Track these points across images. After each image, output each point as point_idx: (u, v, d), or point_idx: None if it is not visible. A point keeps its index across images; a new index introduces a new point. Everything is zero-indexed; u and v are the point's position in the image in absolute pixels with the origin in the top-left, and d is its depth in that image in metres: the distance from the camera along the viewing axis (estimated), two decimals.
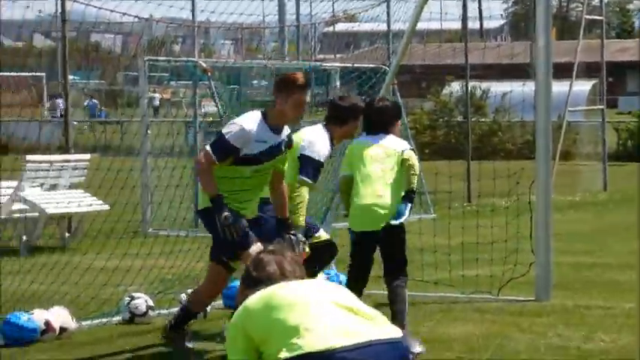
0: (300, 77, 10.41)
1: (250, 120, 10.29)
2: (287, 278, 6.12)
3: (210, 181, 10.10)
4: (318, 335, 5.74)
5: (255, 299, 6.01)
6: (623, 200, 28.26)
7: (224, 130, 10.28)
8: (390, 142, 11.54)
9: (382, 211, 11.29)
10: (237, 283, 13.32)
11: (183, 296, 12.71)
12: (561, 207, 22.77)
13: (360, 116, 11.62)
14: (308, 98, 10.51)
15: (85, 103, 54.54)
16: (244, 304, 6.05)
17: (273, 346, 5.79)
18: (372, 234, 11.35)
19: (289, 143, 10.57)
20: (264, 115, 10.34)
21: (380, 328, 5.85)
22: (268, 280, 6.08)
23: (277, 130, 10.35)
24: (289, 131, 10.63)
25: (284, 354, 5.73)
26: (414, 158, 11.43)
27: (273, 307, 5.91)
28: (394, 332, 5.88)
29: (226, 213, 10.02)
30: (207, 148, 10.19)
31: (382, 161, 11.45)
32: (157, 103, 48.03)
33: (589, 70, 35.91)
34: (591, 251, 18.46)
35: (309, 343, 5.73)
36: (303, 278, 6.18)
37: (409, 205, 11.37)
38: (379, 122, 11.63)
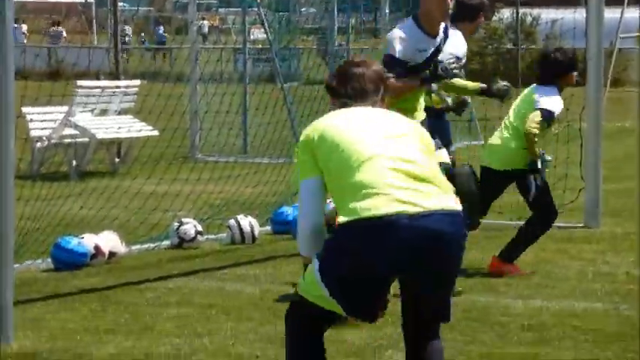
0: None
1: (403, 28, 10.12)
2: (366, 95, 6.21)
3: (399, 85, 9.76)
4: (378, 201, 5.76)
5: (324, 129, 6.05)
6: None
7: (389, 47, 10.01)
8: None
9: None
10: (285, 208, 13.36)
11: (232, 222, 12.75)
12: (611, 134, 22.59)
13: (484, 11, 11.72)
14: None
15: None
16: (314, 127, 6.13)
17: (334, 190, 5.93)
18: None
19: (447, 34, 10.33)
20: (416, 21, 10.12)
21: (440, 196, 5.83)
22: (347, 98, 6.22)
23: (435, 34, 10.16)
24: (446, 26, 10.32)
25: (342, 218, 5.81)
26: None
27: (337, 147, 5.95)
28: (453, 203, 5.88)
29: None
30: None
31: None
32: (205, 30, 47.99)
33: None
34: None
35: (369, 206, 5.76)
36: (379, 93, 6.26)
37: None
38: (547, 74, 11.52)
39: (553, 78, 11.37)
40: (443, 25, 10.23)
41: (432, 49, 10.10)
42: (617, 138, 23.78)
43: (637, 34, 38.42)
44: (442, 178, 5.94)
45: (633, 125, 28.09)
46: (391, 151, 5.89)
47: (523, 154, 11.18)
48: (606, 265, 11.53)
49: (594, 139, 13.91)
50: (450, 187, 5.93)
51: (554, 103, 11.30)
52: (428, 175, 5.87)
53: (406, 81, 9.91)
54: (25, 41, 46.93)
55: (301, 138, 6.17)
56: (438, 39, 10.18)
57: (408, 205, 5.73)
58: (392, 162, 5.84)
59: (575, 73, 11.55)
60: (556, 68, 11.39)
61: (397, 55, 9.92)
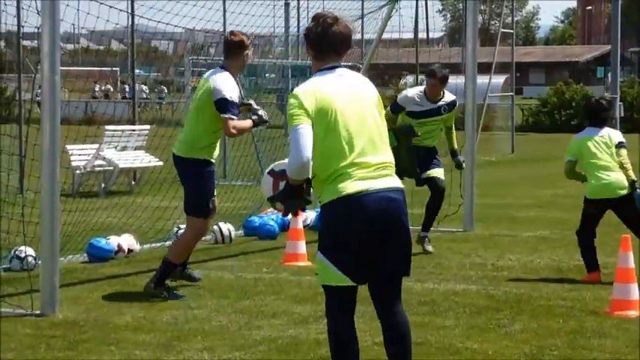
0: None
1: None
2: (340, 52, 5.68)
3: (244, 125, 9.46)
4: (350, 181, 5.48)
5: (315, 93, 5.54)
6: (525, 160, 28.30)
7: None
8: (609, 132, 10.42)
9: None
10: (254, 217, 13.33)
11: (215, 227, 12.69)
12: (482, 164, 22.73)
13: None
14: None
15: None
16: (306, 89, 5.57)
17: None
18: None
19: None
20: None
21: (389, 178, 5.58)
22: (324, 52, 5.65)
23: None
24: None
25: (324, 197, 5.51)
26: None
27: (327, 114, 5.51)
28: (397, 182, 5.65)
29: (259, 114, 9.86)
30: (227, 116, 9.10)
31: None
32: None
33: (503, 68, 35.80)
34: (502, 195, 18.45)
35: (343, 187, 5.47)
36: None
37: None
38: (597, 117, 10.35)
39: (603, 120, 10.35)
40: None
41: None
42: (485, 168, 23.92)
43: (500, 94, 38.65)
44: (389, 158, 5.63)
45: (498, 159, 28.25)
46: (363, 146, 5.54)
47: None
48: (478, 257, 11.56)
49: (470, 168, 13.98)
50: (390, 167, 5.63)
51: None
52: (389, 164, 5.62)
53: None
54: (67, 97, 46.77)
55: (299, 96, 5.54)
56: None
57: (370, 183, 5.50)
58: (362, 156, 5.53)
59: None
60: (603, 112, 10.35)
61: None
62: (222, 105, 9.04)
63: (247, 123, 9.45)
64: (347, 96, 5.63)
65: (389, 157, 5.68)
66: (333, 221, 5.55)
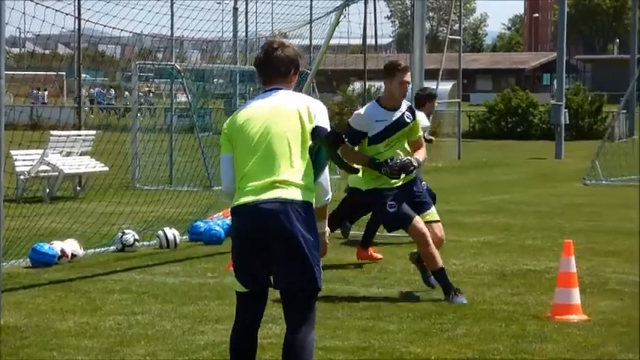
0: (402, 62, 9.67)
1: (367, 108, 9.52)
2: (277, 75, 5.83)
3: (356, 155, 9.22)
4: (240, 195, 5.66)
5: (240, 112, 5.83)
6: (472, 166, 28.47)
7: (350, 119, 9.54)
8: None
9: None
10: (199, 223, 13.31)
11: (160, 232, 12.67)
12: (429, 171, 22.83)
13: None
14: (408, 78, 9.51)
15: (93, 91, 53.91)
16: (232, 116, 5.87)
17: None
18: None
19: (414, 115, 9.55)
20: (378, 101, 9.55)
21: (280, 190, 5.62)
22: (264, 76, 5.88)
23: (394, 108, 9.45)
24: (409, 105, 9.69)
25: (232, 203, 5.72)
26: None
27: (240, 137, 5.74)
28: (282, 194, 5.62)
29: (387, 161, 9.18)
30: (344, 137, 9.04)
31: None
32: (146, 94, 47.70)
33: (450, 75, 36.04)
34: (448, 201, 18.55)
35: (240, 199, 5.65)
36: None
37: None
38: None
39: None
40: (408, 104, 9.67)
41: (393, 119, 9.41)
42: (432, 174, 24.04)
43: (448, 100, 38.92)
44: (287, 174, 5.64)
45: (444, 165, 28.41)
46: (264, 165, 5.66)
47: None
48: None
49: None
50: (287, 182, 5.64)
51: None
52: (280, 178, 5.63)
53: (360, 153, 9.34)
54: (12, 101, 46.33)
55: (226, 123, 5.90)
56: (398, 112, 9.46)
57: (255, 196, 5.61)
58: (258, 168, 5.65)
59: None
60: None
61: (354, 126, 9.39)
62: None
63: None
64: (263, 112, 5.78)
65: (289, 173, 5.67)
66: (231, 231, 5.86)
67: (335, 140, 5.80)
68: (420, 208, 9.56)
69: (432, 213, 9.70)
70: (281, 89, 5.86)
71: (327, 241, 5.99)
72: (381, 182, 9.40)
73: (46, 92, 53.61)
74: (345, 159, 6.42)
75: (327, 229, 6.00)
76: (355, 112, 9.73)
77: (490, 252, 12.38)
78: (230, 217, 5.86)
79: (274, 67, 5.84)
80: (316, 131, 5.78)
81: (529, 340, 7.83)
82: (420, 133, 9.74)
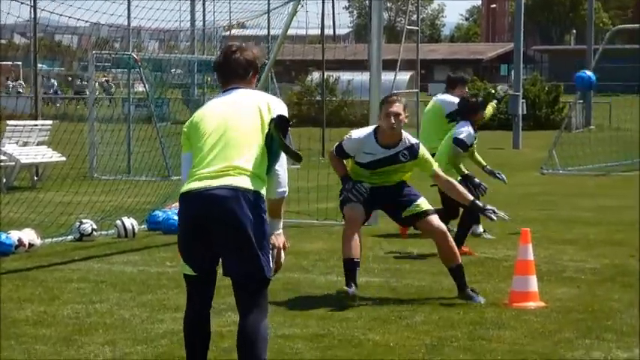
0: (393, 96, 9.37)
1: (361, 133, 9.03)
2: (236, 77, 5.90)
3: (337, 166, 9.10)
4: (189, 182, 5.70)
5: (199, 111, 5.90)
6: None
7: (346, 136, 9.09)
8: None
9: None
10: (157, 212, 13.27)
11: (118, 222, 12.62)
12: None
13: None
14: (396, 109, 8.85)
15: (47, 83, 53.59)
16: (195, 114, 5.90)
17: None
18: None
19: (413, 155, 8.96)
20: (375, 133, 8.96)
21: (229, 178, 5.63)
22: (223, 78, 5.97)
23: (387, 146, 8.91)
24: (411, 144, 8.99)
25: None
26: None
27: (197, 132, 5.78)
28: (237, 182, 5.63)
29: (349, 182, 8.97)
30: (336, 145, 9.09)
31: None
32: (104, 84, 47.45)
33: (408, 65, 36.13)
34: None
35: (189, 185, 5.69)
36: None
37: None
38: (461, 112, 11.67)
39: None
40: (412, 142, 9.01)
41: (383, 156, 8.92)
42: None
43: (406, 90, 39.01)
44: (240, 162, 5.66)
45: None
46: (217, 154, 5.69)
47: None
48: (382, 250, 11.67)
49: None
50: (239, 170, 5.65)
51: None
52: (232, 165, 5.65)
53: (340, 165, 9.13)
54: None
55: (187, 122, 5.94)
56: (393, 150, 8.94)
57: (202, 183, 5.65)
58: (211, 156, 5.69)
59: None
60: None
61: (344, 146, 9.05)
62: None
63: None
64: (221, 108, 5.85)
65: (241, 162, 5.68)
66: (178, 216, 5.87)
67: (280, 123, 5.80)
68: (405, 204, 9.08)
69: (416, 205, 9.06)
70: (239, 88, 5.93)
71: (283, 255, 5.94)
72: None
73: (10, 82, 53.15)
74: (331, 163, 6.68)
75: (282, 238, 5.90)
76: (352, 132, 9.14)
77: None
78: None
79: (232, 70, 5.93)
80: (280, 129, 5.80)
81: (487, 327, 7.89)
82: (434, 167, 9.10)
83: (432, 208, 9.13)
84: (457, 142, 11.36)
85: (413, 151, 8.99)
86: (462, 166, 11.41)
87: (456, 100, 12.40)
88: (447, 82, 13.45)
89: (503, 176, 12.52)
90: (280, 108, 5.86)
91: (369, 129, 9.10)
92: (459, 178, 11.02)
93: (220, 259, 5.77)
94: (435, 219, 9.04)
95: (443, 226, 9.08)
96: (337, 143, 9.17)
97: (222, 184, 5.61)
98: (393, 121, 8.83)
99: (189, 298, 5.90)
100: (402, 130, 9.04)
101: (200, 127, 5.82)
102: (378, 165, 8.98)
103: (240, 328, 5.69)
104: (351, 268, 8.96)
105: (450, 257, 9.00)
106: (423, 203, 9.10)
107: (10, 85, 52.34)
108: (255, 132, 5.74)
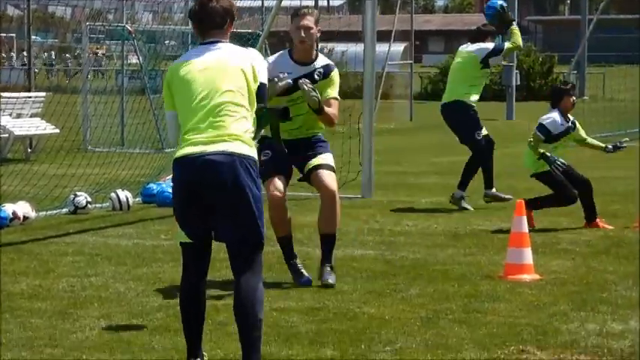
0: (299, 9, 8.61)
1: (275, 56, 8.64)
2: (214, 26, 5.84)
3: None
4: (183, 147, 5.68)
5: (180, 65, 5.82)
6: (423, 128, 28.57)
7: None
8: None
9: None
10: (152, 185, 13.25)
11: (113, 195, 12.61)
12: (381, 132, 22.88)
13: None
14: (306, 22, 8.41)
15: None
16: (174, 64, 5.87)
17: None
18: None
19: (325, 74, 8.48)
20: (290, 52, 8.57)
21: (223, 143, 5.64)
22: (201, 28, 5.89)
23: (302, 63, 8.45)
24: (327, 64, 8.55)
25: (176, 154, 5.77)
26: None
27: (183, 93, 5.75)
28: (228, 147, 5.65)
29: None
30: None
31: None
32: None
33: (402, 36, 36.04)
34: (400, 162, 18.64)
35: (183, 150, 5.67)
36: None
37: None
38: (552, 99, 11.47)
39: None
40: (329, 62, 8.60)
41: (300, 74, 8.34)
42: (384, 135, 24.11)
43: (400, 62, 38.96)
44: (233, 128, 5.67)
45: (396, 127, 28.49)
46: (210, 120, 5.69)
47: None
48: (376, 223, 11.67)
49: (368, 136, 14.07)
50: (234, 136, 5.66)
51: None
52: (227, 132, 5.66)
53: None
54: None
55: (167, 75, 5.91)
56: (309, 68, 8.46)
57: (197, 148, 5.65)
58: (201, 124, 5.69)
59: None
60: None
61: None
62: None
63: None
64: (207, 68, 5.78)
65: (235, 128, 5.70)
66: (173, 182, 5.84)
67: (282, 115, 5.84)
68: (309, 158, 8.52)
69: (317, 159, 8.50)
70: (219, 42, 5.90)
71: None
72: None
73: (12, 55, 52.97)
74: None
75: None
76: (269, 58, 8.58)
77: (443, 213, 12.45)
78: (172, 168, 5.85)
79: (210, 18, 5.86)
80: (262, 96, 5.87)
81: (482, 300, 7.89)
82: (334, 95, 8.50)
83: (331, 164, 8.47)
84: (539, 127, 11.20)
85: (327, 69, 8.50)
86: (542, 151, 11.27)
87: (491, 45, 12.91)
88: (477, 35, 13.19)
89: (625, 142, 12.53)
90: (262, 68, 5.95)
91: (281, 52, 8.66)
92: (538, 157, 11.19)
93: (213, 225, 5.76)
94: (326, 175, 8.38)
95: (333, 185, 8.36)
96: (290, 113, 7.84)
97: (219, 150, 5.63)
98: (304, 34, 8.41)
99: (185, 268, 5.89)
100: (320, 54, 8.66)
101: (186, 87, 5.78)
102: (295, 89, 8.22)
103: (237, 291, 5.70)
104: (285, 244, 8.64)
105: (328, 223, 8.45)
106: (323, 158, 8.47)
107: (14, 58, 52.08)
108: (243, 97, 5.78)
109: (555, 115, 11.29)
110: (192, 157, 5.65)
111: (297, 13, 8.57)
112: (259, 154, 8.40)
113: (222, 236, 5.75)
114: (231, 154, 5.63)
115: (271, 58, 8.65)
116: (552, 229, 11.17)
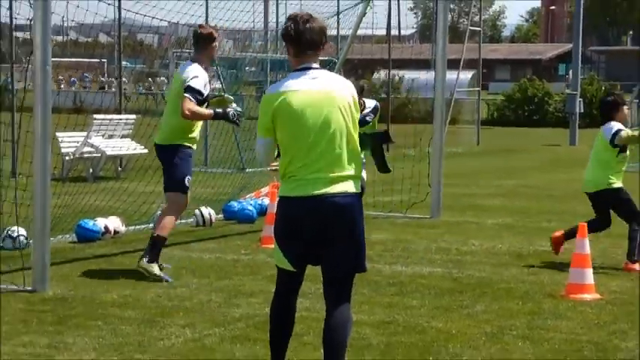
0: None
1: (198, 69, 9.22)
2: (314, 47, 5.56)
3: (201, 111, 9.15)
4: (293, 184, 5.50)
5: (283, 95, 5.51)
6: (490, 152, 28.42)
7: (192, 84, 9.06)
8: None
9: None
10: (233, 203, 13.39)
11: (197, 211, 12.76)
12: (449, 156, 22.82)
13: None
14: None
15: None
16: (275, 92, 5.54)
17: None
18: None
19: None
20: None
21: (340, 183, 5.48)
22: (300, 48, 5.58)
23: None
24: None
25: (279, 191, 5.60)
26: None
27: (289, 124, 5.48)
28: (348, 187, 5.51)
29: (228, 110, 9.29)
30: (187, 96, 9.01)
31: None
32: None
33: (470, 64, 35.95)
34: (468, 185, 18.57)
35: (286, 189, 5.52)
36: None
37: None
38: (602, 114, 10.40)
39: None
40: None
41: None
42: (452, 159, 24.03)
43: (468, 89, 38.81)
44: (349, 166, 5.52)
45: (464, 151, 28.37)
46: (325, 157, 5.49)
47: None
48: (444, 242, 11.66)
49: (437, 159, 14.07)
50: (351, 175, 5.54)
51: None
52: (344, 174, 5.51)
53: (201, 110, 9.17)
54: (56, 87, 46.66)
55: (264, 98, 5.57)
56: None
57: (320, 188, 5.48)
58: (320, 160, 5.49)
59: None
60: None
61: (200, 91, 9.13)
62: (186, 90, 9.09)
63: (206, 111, 9.25)
64: (314, 99, 5.52)
65: (349, 167, 5.54)
66: (279, 214, 5.63)
67: (384, 139, 5.80)
68: None
69: None
70: (315, 68, 5.62)
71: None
72: None
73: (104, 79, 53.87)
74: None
75: None
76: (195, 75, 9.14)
77: (508, 234, 12.40)
78: (277, 201, 5.67)
79: (309, 38, 5.55)
80: (362, 123, 5.76)
81: (544, 317, 7.87)
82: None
83: None
84: (613, 136, 10.11)
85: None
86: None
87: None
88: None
89: None
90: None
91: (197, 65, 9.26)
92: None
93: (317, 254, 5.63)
94: None
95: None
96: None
97: (340, 191, 5.49)
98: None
99: (280, 285, 5.78)
100: None
101: (297, 119, 5.50)
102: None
103: (331, 319, 5.58)
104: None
105: (158, 225, 9.39)
106: None
107: (104, 82, 52.87)
108: (353, 132, 5.60)
109: (619, 125, 10.16)
110: (314, 197, 5.46)
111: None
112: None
113: (329, 266, 5.62)
114: (351, 195, 5.53)
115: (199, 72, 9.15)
116: (612, 250, 11.07)
